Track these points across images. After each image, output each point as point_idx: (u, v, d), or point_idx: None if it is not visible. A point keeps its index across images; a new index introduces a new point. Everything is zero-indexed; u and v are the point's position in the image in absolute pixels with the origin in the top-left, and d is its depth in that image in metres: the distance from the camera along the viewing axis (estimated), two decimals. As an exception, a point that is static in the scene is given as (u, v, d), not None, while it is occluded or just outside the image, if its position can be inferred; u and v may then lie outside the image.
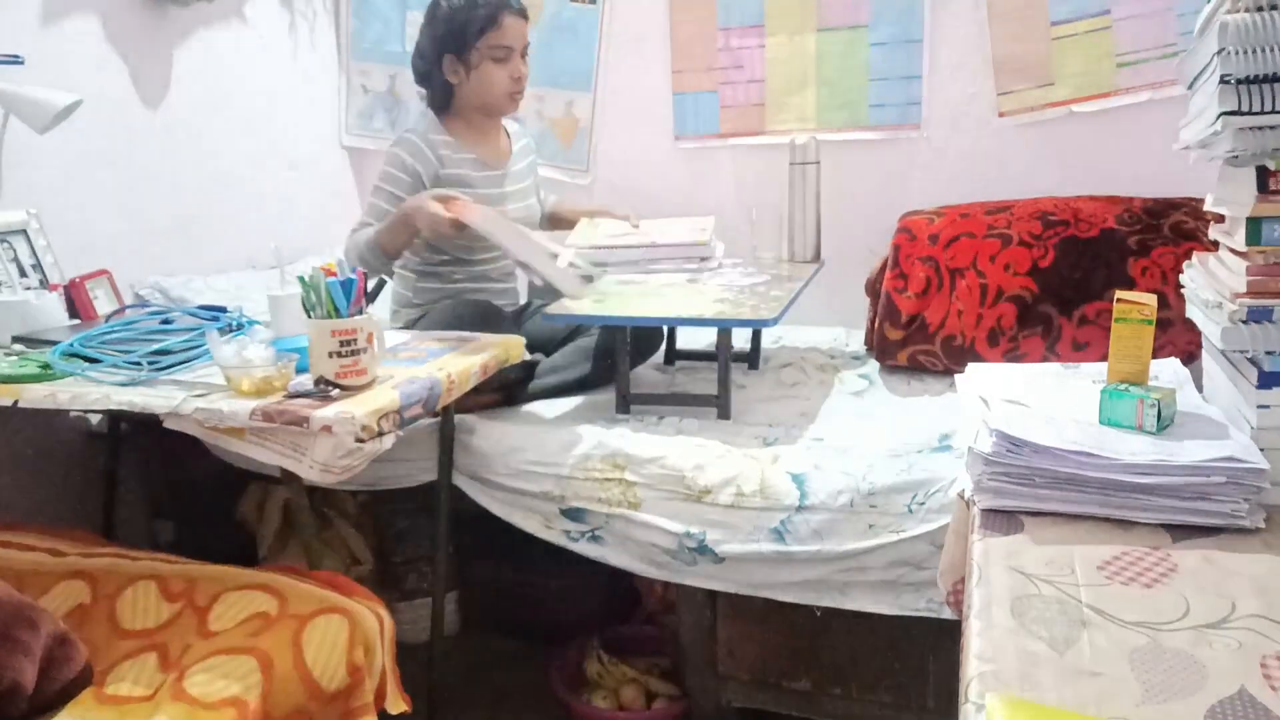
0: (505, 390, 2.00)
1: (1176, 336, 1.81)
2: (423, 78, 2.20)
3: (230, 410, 1.40)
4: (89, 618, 1.41)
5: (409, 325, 2.13)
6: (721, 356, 1.91)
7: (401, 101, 2.96)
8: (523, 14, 2.13)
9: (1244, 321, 1.06)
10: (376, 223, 2.03)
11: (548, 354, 2.11)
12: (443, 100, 2.19)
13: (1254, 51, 1.00)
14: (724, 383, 1.91)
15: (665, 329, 2.29)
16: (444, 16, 2.10)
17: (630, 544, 1.73)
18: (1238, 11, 1.01)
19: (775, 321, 1.84)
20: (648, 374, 2.22)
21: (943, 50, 2.48)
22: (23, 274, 1.94)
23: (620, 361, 1.93)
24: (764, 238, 2.31)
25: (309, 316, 1.44)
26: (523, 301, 2.33)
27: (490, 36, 2.08)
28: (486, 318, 1.98)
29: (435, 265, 2.16)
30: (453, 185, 2.09)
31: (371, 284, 2.16)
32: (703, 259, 2.18)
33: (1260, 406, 1.06)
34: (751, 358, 2.29)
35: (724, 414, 1.91)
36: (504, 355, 1.79)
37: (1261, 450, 1.03)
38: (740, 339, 2.34)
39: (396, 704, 1.40)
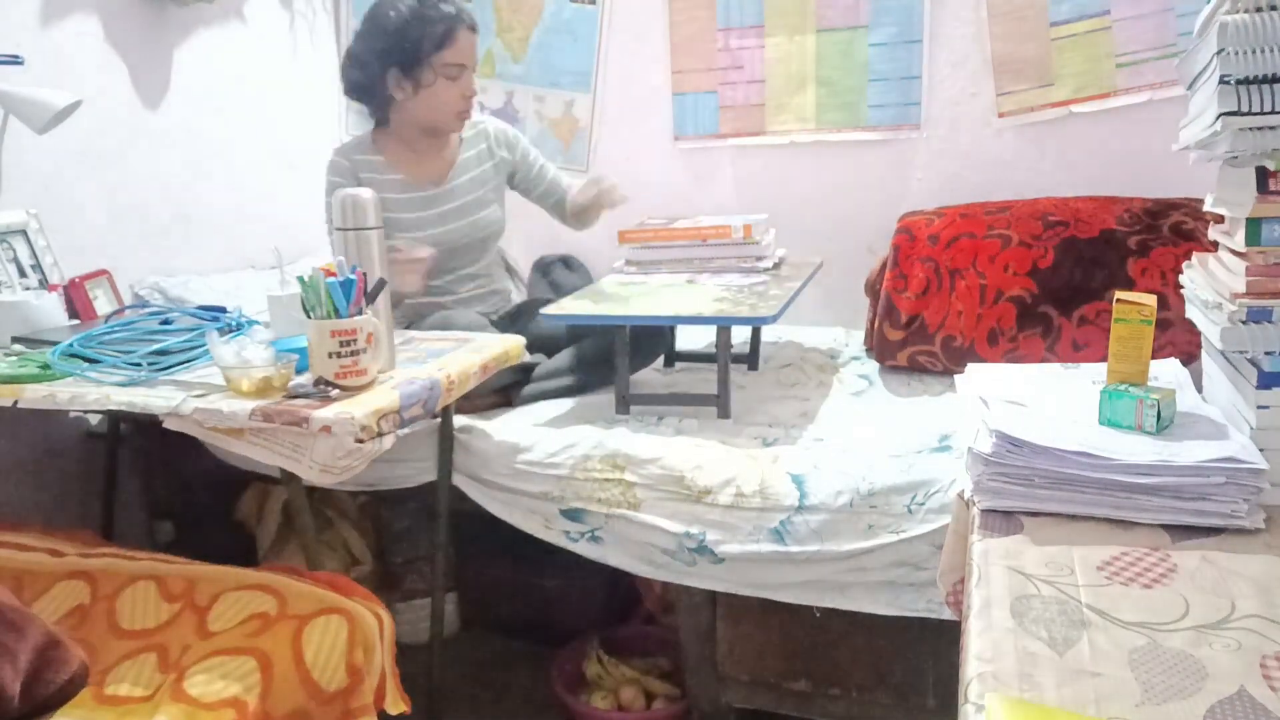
0: (505, 391, 2.00)
1: (1176, 336, 1.82)
2: (358, 89, 2.07)
3: (230, 410, 1.40)
4: (88, 618, 1.41)
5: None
6: (721, 355, 1.91)
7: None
8: (475, 29, 2.02)
9: (1243, 322, 1.06)
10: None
11: (549, 355, 2.11)
12: (380, 115, 2.09)
13: (1254, 52, 1.00)
14: (724, 381, 1.91)
15: (668, 331, 2.29)
16: (394, 28, 1.96)
17: (630, 544, 1.73)
18: (1237, 12, 1.01)
19: (775, 319, 1.83)
20: (647, 375, 2.22)
21: (942, 50, 2.48)
22: (22, 274, 1.94)
23: (619, 362, 1.93)
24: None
25: (309, 317, 1.44)
26: (516, 301, 2.32)
27: (445, 54, 1.97)
28: (473, 330, 1.97)
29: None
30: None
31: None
32: (758, 259, 2.17)
33: (1260, 407, 1.06)
34: (751, 359, 2.29)
35: (724, 413, 1.91)
36: (504, 356, 1.79)
37: (1261, 450, 1.03)
38: (739, 340, 2.34)
39: (396, 704, 1.40)
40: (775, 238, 2.32)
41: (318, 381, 1.44)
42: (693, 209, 2.46)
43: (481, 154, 2.20)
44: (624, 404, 1.94)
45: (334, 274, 1.45)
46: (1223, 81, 1.01)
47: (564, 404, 2.01)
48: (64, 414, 1.97)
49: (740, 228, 2.18)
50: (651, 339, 2.14)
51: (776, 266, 2.22)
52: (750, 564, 1.63)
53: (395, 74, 1.99)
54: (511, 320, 2.21)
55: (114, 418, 2.03)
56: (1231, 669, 0.75)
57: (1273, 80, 1.00)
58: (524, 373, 2.01)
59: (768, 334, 2.39)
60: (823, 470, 1.65)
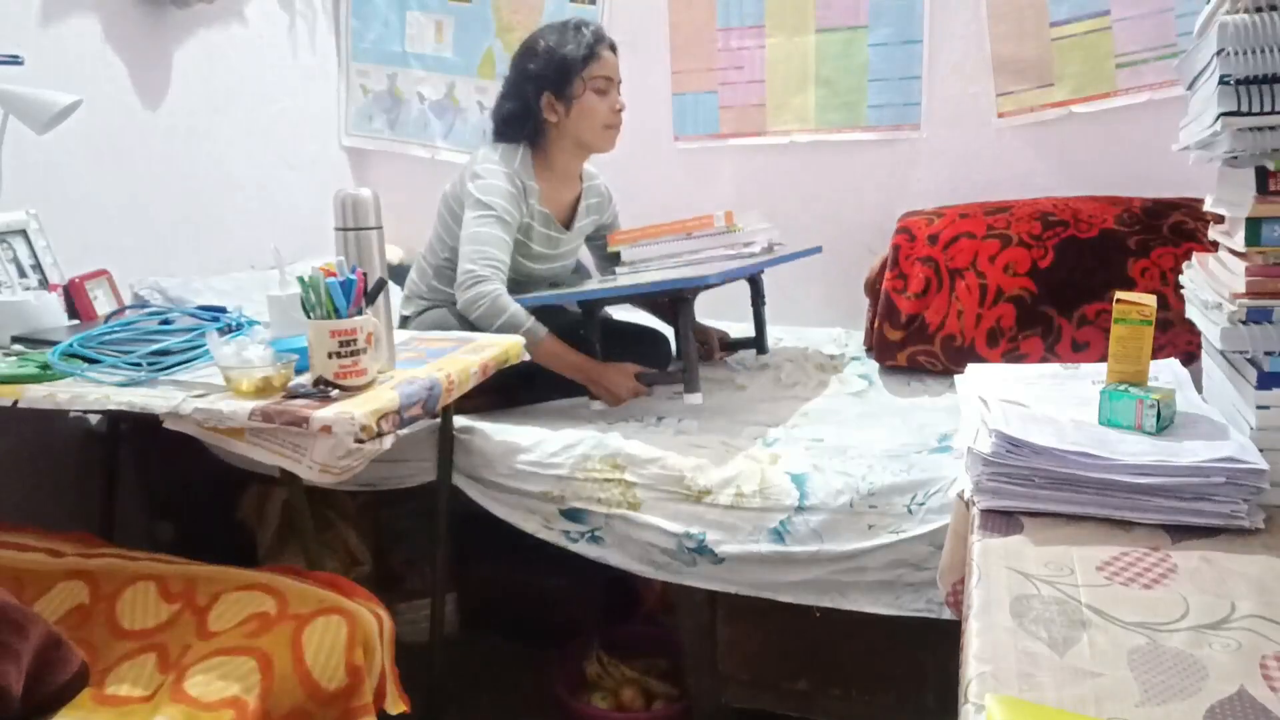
0: (505, 391, 2.00)
1: (1176, 336, 1.82)
2: (512, 121, 2.14)
3: (230, 410, 1.40)
4: (88, 618, 1.41)
5: (412, 316, 2.14)
6: (682, 324, 1.93)
7: (401, 101, 2.97)
8: (615, 49, 2.16)
9: (1243, 322, 1.06)
10: (497, 252, 1.98)
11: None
12: (534, 143, 2.16)
13: (1253, 52, 1.00)
14: (689, 355, 1.92)
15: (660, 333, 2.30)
16: (543, 50, 2.10)
17: (630, 544, 1.73)
18: (1237, 12, 1.01)
19: (703, 281, 1.84)
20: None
21: (942, 51, 2.49)
22: (22, 274, 1.94)
23: (591, 348, 1.96)
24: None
25: (309, 317, 1.44)
26: None
27: (591, 68, 2.10)
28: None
29: (452, 269, 2.14)
30: (519, 231, 2.08)
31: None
32: (745, 244, 2.17)
33: (1260, 407, 1.06)
34: (758, 342, 2.30)
35: (692, 388, 1.90)
36: (504, 356, 1.78)
37: (1261, 451, 1.03)
38: (741, 330, 2.35)
39: (396, 704, 1.40)
40: (771, 229, 2.31)
41: (317, 381, 1.44)
42: (693, 209, 2.45)
43: (592, 206, 2.30)
44: None
45: (334, 274, 1.45)
46: (1223, 81, 1.01)
47: (564, 404, 2.02)
48: (64, 414, 1.97)
49: (722, 216, 2.18)
50: (646, 338, 2.15)
51: (769, 249, 2.21)
52: (750, 564, 1.63)
53: (548, 97, 2.09)
54: None
55: (114, 418, 2.03)
56: (1231, 669, 0.75)
57: (1273, 80, 1.00)
58: (524, 373, 2.01)
59: (768, 333, 2.39)
60: (823, 470, 1.65)
